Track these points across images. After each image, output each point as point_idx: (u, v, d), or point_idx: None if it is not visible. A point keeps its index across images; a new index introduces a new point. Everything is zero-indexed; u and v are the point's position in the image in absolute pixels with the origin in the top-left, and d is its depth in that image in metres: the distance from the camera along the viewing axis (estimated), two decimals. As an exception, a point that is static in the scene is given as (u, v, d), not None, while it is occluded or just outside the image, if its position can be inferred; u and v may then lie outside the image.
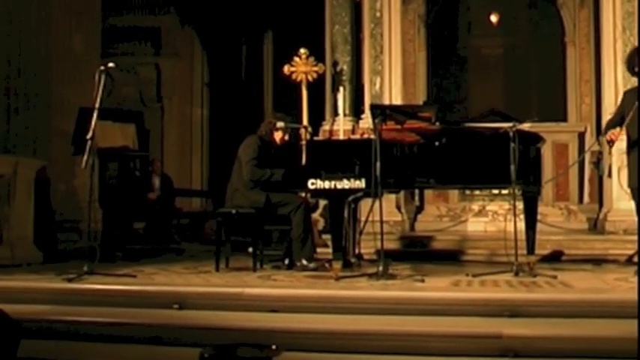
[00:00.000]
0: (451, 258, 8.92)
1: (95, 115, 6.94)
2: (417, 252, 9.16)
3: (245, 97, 14.58)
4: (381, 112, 6.95)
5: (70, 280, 6.45)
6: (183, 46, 14.89)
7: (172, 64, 14.81)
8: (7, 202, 8.49)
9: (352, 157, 6.93)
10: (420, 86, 11.54)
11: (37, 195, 8.90)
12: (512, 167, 6.65)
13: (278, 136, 7.96)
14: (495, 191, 10.34)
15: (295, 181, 7.24)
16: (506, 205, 9.56)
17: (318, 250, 8.35)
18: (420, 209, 10.86)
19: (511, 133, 6.70)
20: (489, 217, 10.54)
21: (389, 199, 9.56)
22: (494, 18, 12.35)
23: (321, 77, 10.81)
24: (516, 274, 6.62)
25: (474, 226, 10.49)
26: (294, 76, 10.67)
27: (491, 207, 10.57)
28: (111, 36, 13.25)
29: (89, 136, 6.84)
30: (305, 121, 10.13)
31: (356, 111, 10.90)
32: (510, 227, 6.73)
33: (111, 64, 7.03)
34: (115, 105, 9.84)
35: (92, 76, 7.07)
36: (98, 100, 6.94)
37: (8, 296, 5.92)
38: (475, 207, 10.71)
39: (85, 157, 6.80)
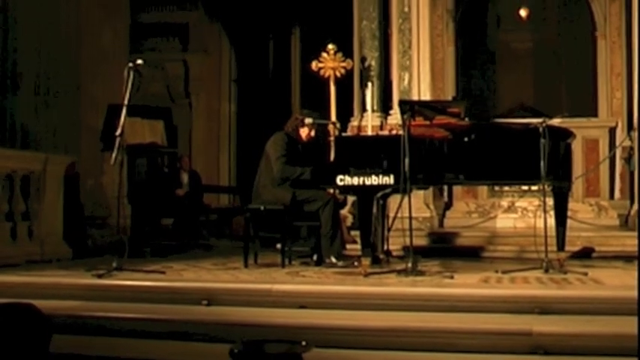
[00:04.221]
0: (480, 254, 8.90)
1: (124, 111, 6.98)
2: (446, 248, 9.13)
3: (273, 93, 14.55)
4: (409, 107, 6.91)
5: (99, 276, 6.50)
6: (210, 42, 14.86)
7: (200, 60, 14.78)
8: (37, 198, 8.57)
9: (381, 153, 6.90)
10: (449, 81, 11.44)
11: (67, 191, 8.95)
12: (542, 163, 6.61)
13: (304, 132, 7.95)
14: (525, 187, 10.24)
15: (324, 177, 7.24)
16: (536, 202, 9.45)
17: (347, 246, 8.36)
18: (448, 205, 10.79)
19: (541, 129, 6.67)
20: (519, 213, 10.47)
21: (417, 196, 9.51)
22: (523, 12, 12.27)
23: (349, 73, 10.78)
24: (546, 271, 6.59)
25: (504, 222, 10.41)
26: (322, 72, 10.68)
27: (521, 203, 10.50)
28: (139, 32, 13.29)
29: (118, 132, 6.88)
30: (333, 117, 10.11)
31: (384, 107, 10.88)
32: (540, 223, 6.70)
33: (139, 61, 7.06)
34: (143, 101, 9.76)
35: (120, 73, 7.12)
36: (127, 96, 6.97)
37: (39, 292, 5.99)
38: (504, 203, 10.63)
39: (114, 154, 6.85)
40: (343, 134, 9.92)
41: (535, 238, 6.78)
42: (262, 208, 7.65)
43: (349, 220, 9.86)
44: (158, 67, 14.15)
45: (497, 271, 6.82)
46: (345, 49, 10.83)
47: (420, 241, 8.94)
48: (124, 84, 6.95)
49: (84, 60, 10.29)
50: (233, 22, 14.80)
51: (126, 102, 6.99)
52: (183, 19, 14.79)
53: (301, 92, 14.57)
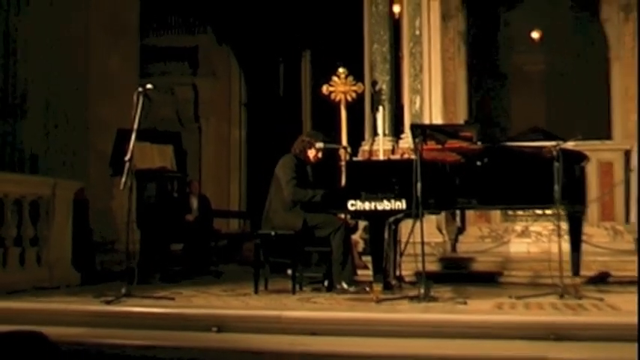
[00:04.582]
0: (493, 280, 8.84)
1: (133, 136, 6.99)
2: (459, 274, 9.10)
3: (283, 116, 14.57)
4: (421, 131, 6.94)
5: (108, 303, 6.48)
6: (220, 65, 14.95)
7: (210, 84, 14.86)
8: (46, 223, 8.58)
9: (392, 177, 6.94)
10: (461, 104, 11.46)
11: (75, 216, 8.96)
12: (556, 187, 6.57)
13: (312, 153, 7.94)
14: (539, 211, 10.19)
15: (335, 202, 7.27)
16: (550, 226, 9.48)
17: (359, 272, 8.31)
18: (461, 230, 10.77)
19: (554, 152, 6.65)
20: (533, 237, 10.42)
21: (430, 220, 9.51)
22: (535, 34, 12.28)
23: (360, 97, 10.80)
24: (561, 297, 6.54)
25: (517, 247, 10.36)
26: (332, 95, 10.70)
27: (535, 228, 10.47)
28: (148, 56, 13.32)
29: (127, 157, 6.88)
30: (344, 142, 10.13)
31: (396, 131, 10.88)
32: (554, 248, 6.65)
33: (149, 86, 7.07)
34: (152, 126, 9.90)
35: (130, 96, 7.13)
36: (136, 121, 6.98)
37: (47, 318, 5.98)
38: (518, 228, 10.59)
39: (124, 179, 6.84)
40: (354, 159, 9.95)
41: (549, 263, 6.72)
42: (273, 233, 7.63)
43: (361, 246, 9.86)
44: (168, 92, 14.27)
45: (511, 297, 6.77)
46: (356, 73, 10.86)
47: (433, 266, 8.91)
48: (133, 108, 6.97)
49: (92, 84, 10.34)
50: (242, 45, 14.87)
51: (135, 126, 7.00)
52: (193, 43, 14.90)
53: (312, 116, 14.69)
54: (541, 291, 6.84)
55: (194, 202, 11.03)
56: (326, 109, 11.20)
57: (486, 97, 12.17)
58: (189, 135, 13.82)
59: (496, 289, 7.98)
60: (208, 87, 14.88)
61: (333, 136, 9.84)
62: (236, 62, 15.11)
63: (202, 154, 14.68)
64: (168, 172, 9.49)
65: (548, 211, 9.62)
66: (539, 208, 9.63)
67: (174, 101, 14.62)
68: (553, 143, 6.74)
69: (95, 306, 6.46)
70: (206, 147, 14.74)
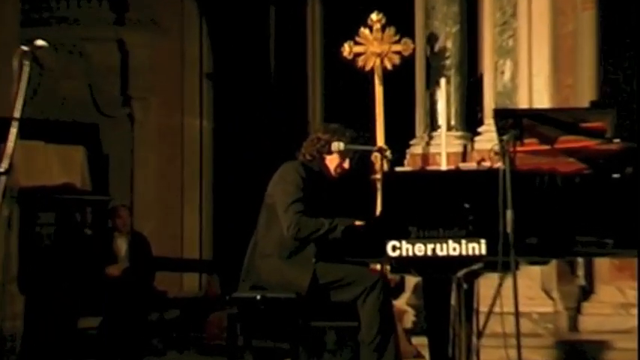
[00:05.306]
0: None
1: (14, 130, 6.81)
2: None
3: (275, 98, 14.74)
4: (514, 121, 6.93)
5: None
6: (166, 10, 15.04)
7: (148, 41, 14.98)
8: None
9: (464, 200, 6.91)
10: (584, 74, 11.30)
11: None
12: None
13: (333, 162, 7.98)
14: None
15: (365, 242, 7.17)
16: None
17: (406, 363, 8.02)
18: (587, 293, 10.76)
19: None
20: None
21: (530, 276, 9.53)
22: None
23: (407, 62, 10.83)
24: None
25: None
26: (360, 61, 10.71)
27: None
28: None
29: (2, 167, 6.72)
30: (380, 140, 10.25)
31: (469, 121, 11.03)
32: None
33: (40, 42, 6.85)
34: (49, 112, 10.05)
35: (5, 61, 7.09)
36: (19, 103, 6.81)
37: None
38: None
39: (-5, 205, 6.97)
40: (398, 169, 10.07)
41: None
42: (259, 297, 7.60)
43: (409, 319, 10.03)
44: (74, 52, 14.27)
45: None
46: (401, 23, 10.90)
47: (536, 354, 8.98)
48: (13, 81, 6.85)
49: None
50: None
51: (17, 113, 6.83)
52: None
53: (324, 98, 14.79)
54: None
55: (122, 245, 11.17)
56: (347, 84, 11.63)
57: (626, 66, 11.95)
58: (114, 128, 13.88)
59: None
60: (146, 46, 14.91)
61: (362, 131, 9.82)
62: (195, 7, 15.21)
63: (136, 161, 14.57)
64: (77, 193, 9.63)
65: None
66: None
67: (85, 70, 14.54)
68: None
69: None
70: (143, 148, 14.66)
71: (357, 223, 7.51)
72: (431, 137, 10.88)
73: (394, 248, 6.91)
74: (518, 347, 6.63)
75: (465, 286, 7.36)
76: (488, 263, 6.85)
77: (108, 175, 11.61)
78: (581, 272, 10.76)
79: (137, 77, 14.94)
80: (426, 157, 10.76)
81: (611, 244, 7.03)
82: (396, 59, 10.69)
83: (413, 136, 11.09)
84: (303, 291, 7.60)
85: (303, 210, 7.68)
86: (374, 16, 10.75)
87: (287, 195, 7.74)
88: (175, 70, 15.22)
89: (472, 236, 6.83)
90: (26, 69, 6.83)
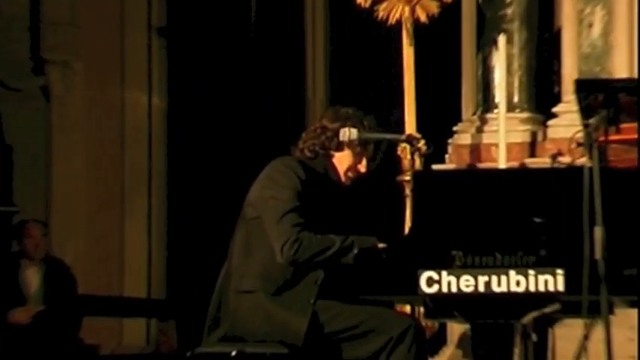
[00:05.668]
0: None
1: None
2: None
3: (257, 65, 13.71)
4: (604, 98, 6.57)
5: None
6: None
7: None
8: None
9: (531, 212, 6.49)
10: None
11: None
12: None
13: (344, 162, 7.26)
14: None
15: (389, 272, 6.69)
16: None
17: None
18: None
19: None
20: None
21: (630, 323, 8.56)
22: None
23: (449, 12, 10.39)
24: None
25: None
26: (381, 10, 10.22)
27: None
28: None
29: None
30: (411, 126, 10.01)
31: (540, 98, 10.46)
32: None
33: None
34: None
35: None
36: None
37: None
38: None
39: None
40: (435, 166, 9.75)
41: None
42: (234, 353, 6.91)
43: None
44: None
45: None
46: None
47: None
48: None
49: None
50: None
51: None
52: None
53: (330, 67, 14.01)
54: None
55: (33, 278, 10.89)
56: (363, 45, 11.83)
57: None
58: (21, 106, 13.20)
59: None
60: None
61: (386, 115, 10.25)
62: None
63: (55, 156, 13.73)
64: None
65: None
66: None
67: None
68: None
69: None
70: (65, 137, 13.76)
71: (379, 244, 6.97)
72: (484, 121, 10.30)
73: (430, 282, 6.55)
74: None
75: (533, 337, 7.21)
76: (568, 304, 6.53)
77: (12, 176, 11.09)
78: None
79: (55, 33, 13.80)
80: (476, 150, 10.28)
81: None
82: (434, 7, 10.17)
83: (458, 120, 10.58)
84: (298, 342, 6.81)
85: (302, 223, 6.86)
86: (400, -48, 10.25)
87: (279, 203, 6.96)
88: (111, 23, 14.05)
89: (544, 265, 6.42)
90: None
